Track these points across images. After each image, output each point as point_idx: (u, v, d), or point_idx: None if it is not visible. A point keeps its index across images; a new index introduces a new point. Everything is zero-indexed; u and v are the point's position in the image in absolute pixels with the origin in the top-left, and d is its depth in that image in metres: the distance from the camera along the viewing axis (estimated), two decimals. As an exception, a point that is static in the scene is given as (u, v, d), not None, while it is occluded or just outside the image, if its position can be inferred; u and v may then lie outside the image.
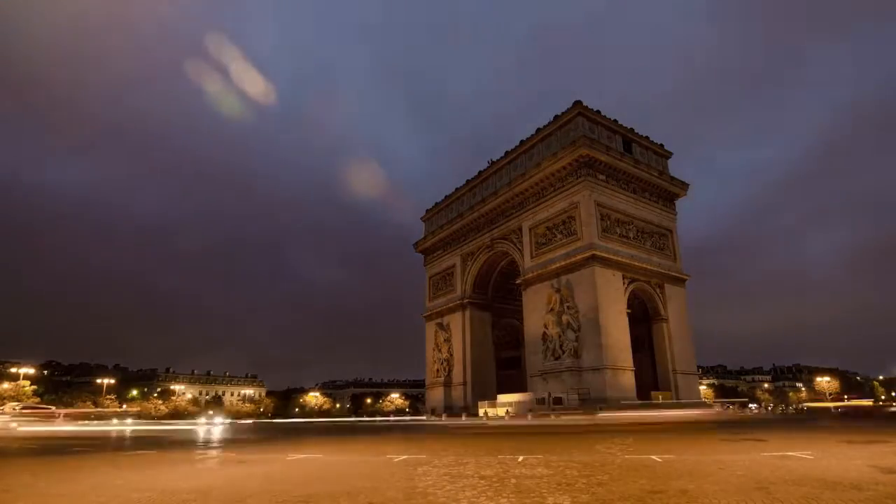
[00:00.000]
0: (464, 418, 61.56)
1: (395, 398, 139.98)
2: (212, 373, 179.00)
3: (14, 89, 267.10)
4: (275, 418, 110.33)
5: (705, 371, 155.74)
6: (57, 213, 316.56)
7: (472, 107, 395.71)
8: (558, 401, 58.47)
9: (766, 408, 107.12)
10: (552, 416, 50.62)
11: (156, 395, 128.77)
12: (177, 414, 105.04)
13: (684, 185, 75.17)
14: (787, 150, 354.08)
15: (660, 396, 61.79)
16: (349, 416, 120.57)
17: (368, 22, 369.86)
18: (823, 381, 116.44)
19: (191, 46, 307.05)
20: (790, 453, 13.60)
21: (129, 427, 52.59)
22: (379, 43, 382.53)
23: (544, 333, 64.88)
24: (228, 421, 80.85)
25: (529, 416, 52.42)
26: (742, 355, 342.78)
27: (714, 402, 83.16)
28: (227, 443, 25.34)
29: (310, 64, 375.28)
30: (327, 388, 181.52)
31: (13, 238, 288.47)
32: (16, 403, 71.23)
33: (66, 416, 58.33)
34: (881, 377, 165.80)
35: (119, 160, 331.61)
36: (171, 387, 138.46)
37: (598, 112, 69.07)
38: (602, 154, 65.50)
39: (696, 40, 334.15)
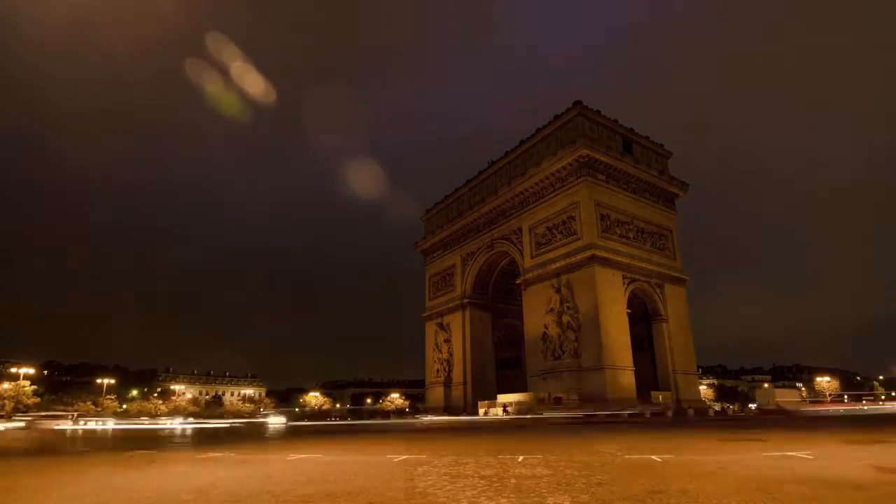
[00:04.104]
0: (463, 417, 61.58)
1: (396, 398, 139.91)
2: (212, 373, 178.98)
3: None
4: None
5: (705, 371, 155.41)
6: (56, 211, 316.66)
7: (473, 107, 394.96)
8: (558, 400, 58.52)
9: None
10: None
11: (156, 395, 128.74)
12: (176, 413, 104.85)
13: (684, 185, 75.19)
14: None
15: (660, 396, 61.83)
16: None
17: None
18: (823, 381, 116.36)
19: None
20: (790, 453, 13.59)
21: None
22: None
23: (544, 333, 64.89)
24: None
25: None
26: (742, 355, 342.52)
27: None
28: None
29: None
30: (327, 388, 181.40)
31: (12, 237, 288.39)
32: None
33: None
34: (881, 377, 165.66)
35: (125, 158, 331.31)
36: (171, 387, 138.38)
37: (598, 112, 69.05)
38: (602, 154, 65.50)
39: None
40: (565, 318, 62.10)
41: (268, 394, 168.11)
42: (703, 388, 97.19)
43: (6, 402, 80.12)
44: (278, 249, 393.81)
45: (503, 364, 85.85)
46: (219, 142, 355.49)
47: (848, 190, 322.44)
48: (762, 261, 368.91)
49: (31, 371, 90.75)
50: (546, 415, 54.18)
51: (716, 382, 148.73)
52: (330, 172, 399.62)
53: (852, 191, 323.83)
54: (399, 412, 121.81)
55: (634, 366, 60.93)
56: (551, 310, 64.07)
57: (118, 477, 12.23)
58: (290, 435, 34.30)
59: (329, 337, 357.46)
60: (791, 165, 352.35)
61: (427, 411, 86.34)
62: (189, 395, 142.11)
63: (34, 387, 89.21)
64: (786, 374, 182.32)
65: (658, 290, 67.47)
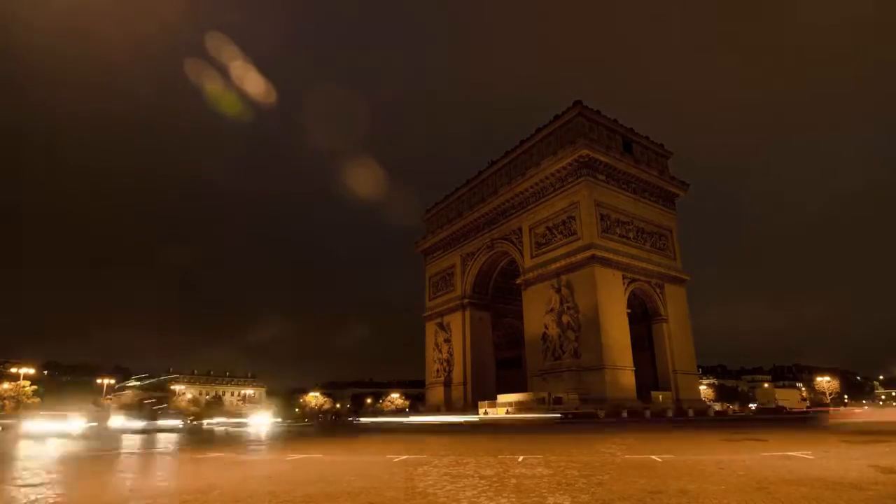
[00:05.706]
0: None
1: (396, 398, 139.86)
2: (212, 373, 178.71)
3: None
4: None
5: (705, 371, 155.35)
6: (57, 211, 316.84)
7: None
8: (558, 400, 58.42)
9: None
10: None
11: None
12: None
13: (684, 185, 75.10)
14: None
15: (660, 396, 61.80)
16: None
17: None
18: (823, 381, 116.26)
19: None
20: (790, 453, 13.60)
21: None
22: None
23: (544, 333, 64.86)
24: None
25: None
26: (742, 355, 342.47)
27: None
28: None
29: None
30: (327, 388, 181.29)
31: (14, 238, 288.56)
32: None
33: None
34: (881, 377, 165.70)
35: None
36: (172, 387, 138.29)
37: (598, 112, 68.95)
38: (602, 154, 65.45)
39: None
40: (565, 318, 62.06)
41: (268, 394, 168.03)
42: (703, 388, 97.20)
43: (6, 402, 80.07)
44: (277, 247, 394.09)
45: (503, 364, 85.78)
46: (217, 140, 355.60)
47: (850, 190, 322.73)
48: (762, 261, 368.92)
49: (31, 371, 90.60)
50: (540, 415, 53.85)
51: (716, 382, 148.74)
52: (330, 170, 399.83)
53: (855, 191, 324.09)
54: (399, 412, 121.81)
55: (634, 366, 60.88)
56: (551, 310, 64.04)
57: (118, 477, 12.23)
58: (291, 436, 34.44)
59: (329, 337, 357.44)
60: (796, 171, 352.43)
61: (427, 411, 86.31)
62: (189, 396, 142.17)
63: (34, 387, 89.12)
64: (786, 374, 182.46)
65: (658, 290, 67.41)
